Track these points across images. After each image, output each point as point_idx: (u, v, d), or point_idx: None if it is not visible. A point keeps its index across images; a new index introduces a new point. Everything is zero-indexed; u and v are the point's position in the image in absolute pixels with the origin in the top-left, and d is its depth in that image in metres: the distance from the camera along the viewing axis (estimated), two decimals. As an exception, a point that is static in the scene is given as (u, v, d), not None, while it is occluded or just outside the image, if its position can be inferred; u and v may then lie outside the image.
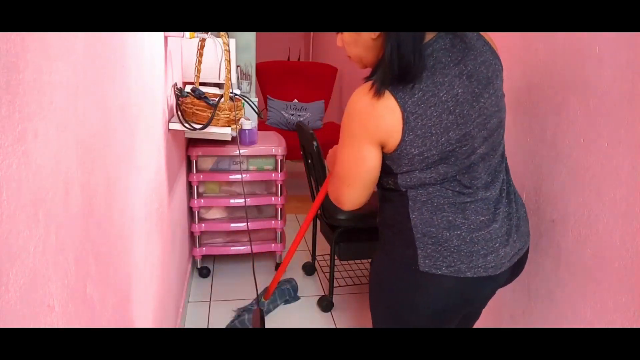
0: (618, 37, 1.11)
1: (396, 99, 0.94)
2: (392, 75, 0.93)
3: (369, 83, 0.97)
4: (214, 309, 2.22)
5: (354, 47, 1.05)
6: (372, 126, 0.97)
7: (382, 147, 1.00)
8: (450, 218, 1.03)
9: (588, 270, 1.22)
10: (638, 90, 1.06)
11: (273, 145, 2.42)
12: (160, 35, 1.57)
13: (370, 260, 2.40)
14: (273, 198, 2.44)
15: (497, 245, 1.05)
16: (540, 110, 1.41)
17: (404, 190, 1.05)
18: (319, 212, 2.20)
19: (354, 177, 1.04)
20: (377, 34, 0.98)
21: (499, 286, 1.14)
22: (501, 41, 1.64)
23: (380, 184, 1.10)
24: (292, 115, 3.73)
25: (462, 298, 1.08)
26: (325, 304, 2.26)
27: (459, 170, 1.01)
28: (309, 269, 2.59)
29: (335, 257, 2.24)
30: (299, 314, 2.23)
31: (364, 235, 2.20)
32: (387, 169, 1.04)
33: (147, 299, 1.31)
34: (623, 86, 1.10)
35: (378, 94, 0.94)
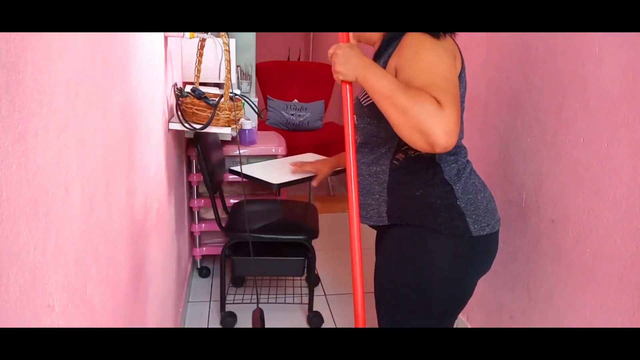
0: (618, 37, 1.11)
1: (450, 37, 1.02)
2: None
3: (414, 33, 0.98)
4: (214, 309, 2.22)
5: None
6: (449, 49, 0.98)
7: None
8: (476, 182, 1.11)
9: (588, 270, 1.22)
10: (638, 90, 1.06)
11: (273, 145, 2.42)
12: (160, 35, 1.57)
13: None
14: (273, 198, 2.44)
15: (493, 197, 1.16)
16: (540, 110, 1.41)
17: (437, 162, 1.07)
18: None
19: (453, 85, 0.93)
20: None
21: None
22: (501, 41, 1.64)
23: (398, 155, 1.09)
24: (292, 115, 3.73)
25: (494, 253, 1.15)
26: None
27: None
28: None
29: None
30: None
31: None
32: None
33: (147, 299, 1.31)
34: (623, 86, 1.10)
35: (437, 36, 0.96)
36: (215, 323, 2.14)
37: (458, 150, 1.11)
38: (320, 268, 2.65)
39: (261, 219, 2.08)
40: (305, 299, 2.22)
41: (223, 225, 2.08)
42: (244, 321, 2.12)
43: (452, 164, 1.09)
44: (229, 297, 2.24)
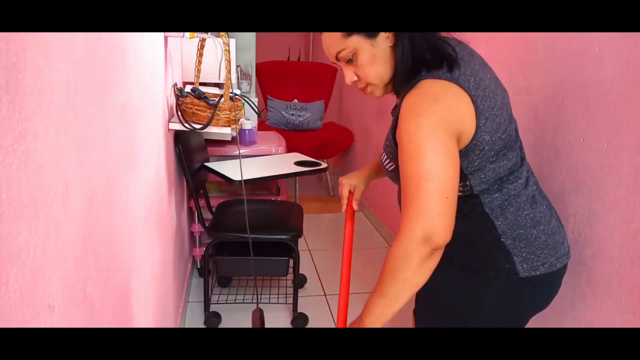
0: (618, 37, 1.11)
1: (458, 83, 0.88)
2: (435, 61, 0.90)
3: (420, 83, 0.89)
4: (214, 309, 2.22)
5: (373, 65, 0.93)
6: (449, 115, 0.86)
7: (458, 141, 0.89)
8: (531, 214, 0.98)
9: (588, 270, 1.22)
10: (638, 90, 1.06)
11: (273, 145, 2.42)
12: (160, 35, 1.57)
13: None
14: (273, 198, 2.44)
15: (562, 227, 1.06)
16: (540, 110, 1.41)
17: (476, 194, 0.95)
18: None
19: (451, 184, 0.84)
20: (393, 40, 0.91)
21: None
22: (501, 41, 1.64)
23: None
24: (292, 115, 3.73)
25: (553, 293, 1.05)
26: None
27: (519, 155, 0.99)
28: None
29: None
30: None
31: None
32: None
33: (147, 299, 1.31)
34: (623, 86, 1.10)
35: (436, 98, 0.87)
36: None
37: (505, 178, 0.96)
38: (319, 267, 2.65)
39: (245, 219, 2.08)
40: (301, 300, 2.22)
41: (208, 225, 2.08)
42: (229, 321, 2.11)
43: (495, 193, 0.96)
44: (214, 297, 2.23)
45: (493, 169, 0.95)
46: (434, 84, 0.89)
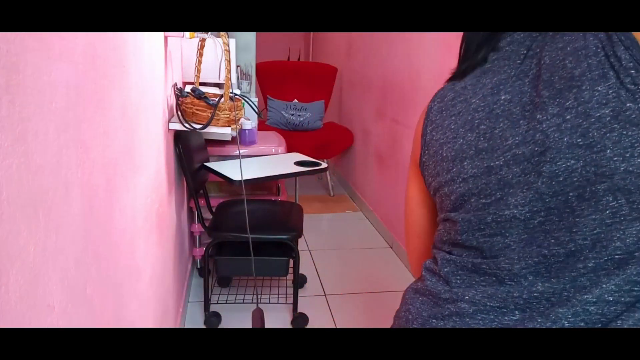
0: (618, 37, 1.11)
1: (431, 101, 0.69)
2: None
3: None
4: (214, 309, 2.22)
5: None
6: (413, 141, 0.72)
7: None
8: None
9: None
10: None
11: (273, 145, 2.43)
12: (160, 35, 1.57)
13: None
14: (273, 198, 2.44)
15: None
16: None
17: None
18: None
19: (405, 220, 0.78)
20: None
21: None
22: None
23: None
24: (292, 115, 3.73)
25: None
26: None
27: (479, 229, 0.60)
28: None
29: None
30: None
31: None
32: None
33: (147, 299, 1.31)
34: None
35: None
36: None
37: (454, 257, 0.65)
38: (319, 268, 2.65)
39: (245, 219, 2.09)
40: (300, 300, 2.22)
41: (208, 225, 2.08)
42: (229, 321, 2.12)
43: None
44: (214, 297, 2.24)
45: (440, 230, 0.69)
46: None
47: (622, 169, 0.49)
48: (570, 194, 0.52)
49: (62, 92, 0.68)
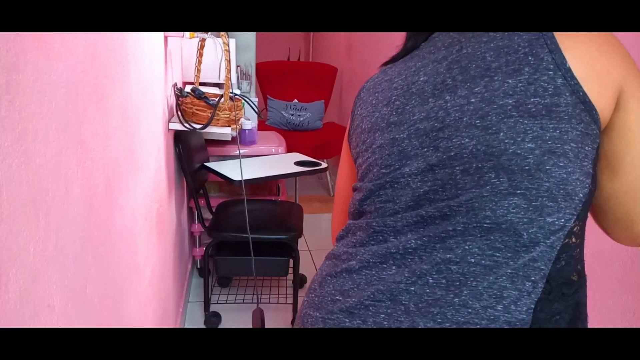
0: (618, 37, 1.11)
1: (366, 81, 0.75)
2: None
3: None
4: (214, 309, 2.22)
5: None
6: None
7: None
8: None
9: (588, 270, 1.22)
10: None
11: (273, 145, 2.42)
12: (160, 35, 1.57)
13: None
14: (273, 198, 2.44)
15: None
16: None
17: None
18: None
19: (335, 192, 0.84)
20: None
21: None
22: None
23: None
24: (292, 115, 3.73)
25: None
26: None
27: (377, 195, 0.64)
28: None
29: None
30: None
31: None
32: None
33: (147, 299, 1.31)
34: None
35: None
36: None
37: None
38: (319, 267, 2.65)
39: (245, 219, 2.08)
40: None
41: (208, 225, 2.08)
42: (229, 321, 2.11)
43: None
44: (214, 297, 2.23)
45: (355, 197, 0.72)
46: None
47: (510, 150, 0.54)
48: (457, 167, 0.57)
49: (62, 92, 0.68)
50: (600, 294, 1.18)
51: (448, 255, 0.57)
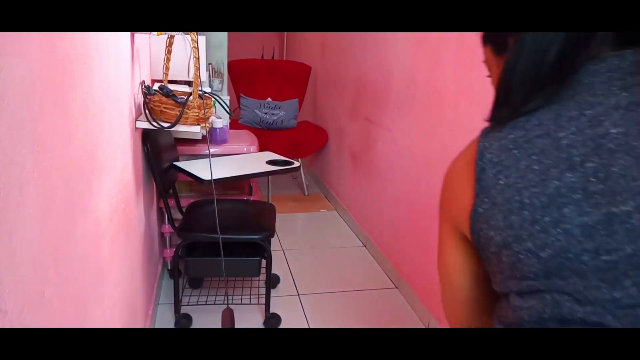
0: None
1: (479, 141, 0.58)
2: (499, 99, 0.58)
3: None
4: (185, 311, 2.19)
5: (488, 64, 0.69)
6: (445, 194, 0.63)
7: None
8: None
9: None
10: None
11: (245, 144, 2.40)
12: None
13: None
14: (246, 198, 2.42)
15: None
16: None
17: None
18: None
19: (442, 286, 0.70)
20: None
21: None
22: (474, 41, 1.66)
23: None
24: (266, 113, 3.71)
25: None
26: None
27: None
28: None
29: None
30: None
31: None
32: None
33: (113, 301, 1.28)
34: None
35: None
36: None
37: None
38: (293, 267, 2.64)
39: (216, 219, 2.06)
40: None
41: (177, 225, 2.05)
42: (200, 323, 2.09)
43: None
44: (185, 299, 2.20)
45: (516, 307, 0.60)
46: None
47: None
48: None
49: (16, 88, 0.66)
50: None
51: None
